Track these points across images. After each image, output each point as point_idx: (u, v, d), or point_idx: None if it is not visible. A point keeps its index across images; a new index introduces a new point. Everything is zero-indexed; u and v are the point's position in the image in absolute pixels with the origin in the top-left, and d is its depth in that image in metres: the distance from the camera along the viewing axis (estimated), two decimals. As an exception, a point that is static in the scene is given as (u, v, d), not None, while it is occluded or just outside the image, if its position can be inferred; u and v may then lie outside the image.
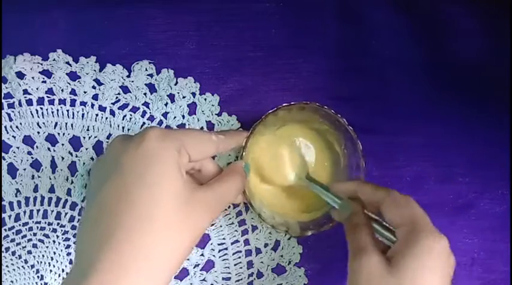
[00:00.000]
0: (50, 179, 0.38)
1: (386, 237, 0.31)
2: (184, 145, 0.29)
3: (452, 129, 0.40)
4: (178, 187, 0.28)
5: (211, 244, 0.39)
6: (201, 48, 0.40)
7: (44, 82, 0.39)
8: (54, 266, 0.38)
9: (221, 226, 0.39)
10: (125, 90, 0.39)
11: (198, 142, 0.31)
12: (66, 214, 0.38)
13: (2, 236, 0.38)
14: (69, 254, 0.38)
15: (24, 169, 0.38)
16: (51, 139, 0.39)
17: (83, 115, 0.39)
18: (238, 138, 0.34)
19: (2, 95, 0.38)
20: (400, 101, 0.40)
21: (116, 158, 0.29)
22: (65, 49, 0.39)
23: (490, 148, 0.40)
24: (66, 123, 0.39)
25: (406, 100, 0.40)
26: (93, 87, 0.39)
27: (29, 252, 0.38)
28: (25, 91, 0.38)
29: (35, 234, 0.38)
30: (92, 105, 0.39)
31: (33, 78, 0.38)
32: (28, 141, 0.39)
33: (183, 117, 0.39)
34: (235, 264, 0.39)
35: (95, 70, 0.39)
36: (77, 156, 0.39)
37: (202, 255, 0.38)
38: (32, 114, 0.38)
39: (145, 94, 0.39)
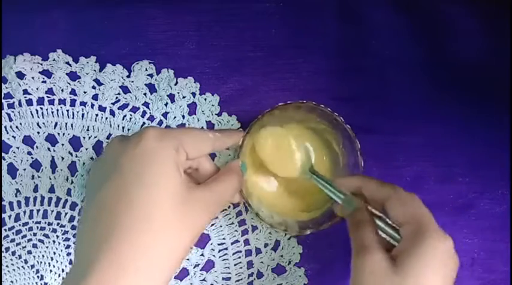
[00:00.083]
0: (50, 179, 0.38)
1: (390, 235, 0.31)
2: (182, 143, 0.30)
3: (452, 129, 0.40)
4: (176, 186, 0.28)
5: (211, 244, 0.39)
6: (201, 48, 0.40)
7: (44, 82, 0.39)
8: (54, 266, 0.38)
9: (221, 226, 0.39)
10: (125, 90, 0.39)
11: (195, 140, 0.31)
12: (66, 214, 0.38)
13: (2, 236, 0.38)
14: (69, 254, 0.38)
15: (24, 169, 0.38)
16: (51, 139, 0.39)
17: (83, 115, 0.39)
18: (235, 137, 0.35)
19: (2, 95, 0.38)
20: (400, 101, 0.40)
21: (115, 158, 0.29)
22: (65, 49, 0.39)
23: (490, 148, 0.40)
24: (66, 123, 0.39)
25: (406, 100, 0.40)
26: (93, 87, 0.39)
27: (29, 252, 0.38)
28: (25, 91, 0.38)
29: (35, 234, 0.38)
30: (92, 105, 0.39)
31: (33, 78, 0.38)
32: (28, 141, 0.39)
33: (183, 117, 0.39)
34: (235, 264, 0.39)
35: (95, 70, 0.39)
36: (76, 156, 0.39)
37: (202, 255, 0.38)
38: (32, 114, 0.38)
39: (145, 94, 0.39)
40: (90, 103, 0.39)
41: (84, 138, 0.39)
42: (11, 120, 0.38)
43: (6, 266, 0.38)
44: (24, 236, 0.38)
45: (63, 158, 0.38)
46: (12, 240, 0.38)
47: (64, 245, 0.38)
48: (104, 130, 0.39)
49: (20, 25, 0.39)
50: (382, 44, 0.41)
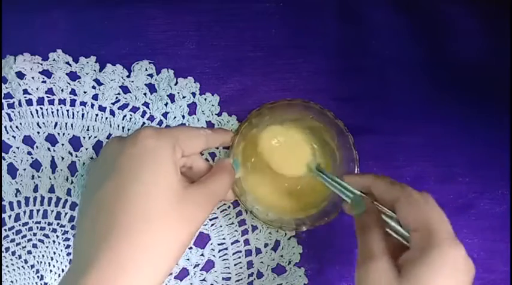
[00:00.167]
0: (50, 179, 0.38)
1: (401, 234, 0.29)
2: (177, 141, 0.30)
3: (452, 129, 0.40)
4: (173, 184, 0.28)
5: (211, 244, 0.39)
6: (201, 48, 0.40)
7: (44, 82, 0.39)
8: (54, 266, 0.38)
9: (221, 226, 0.39)
10: (125, 90, 0.39)
11: (190, 137, 0.32)
12: (66, 214, 0.38)
13: (2, 236, 0.38)
14: (69, 254, 0.38)
15: (24, 169, 0.38)
16: (51, 139, 0.39)
17: (83, 115, 0.39)
18: (224, 135, 0.36)
19: (2, 95, 0.38)
20: (400, 101, 0.40)
21: (113, 158, 0.29)
22: (65, 49, 0.39)
23: (490, 148, 0.40)
24: (66, 123, 0.39)
25: (406, 100, 0.40)
26: (93, 87, 0.39)
27: (29, 252, 0.38)
28: (25, 91, 0.38)
29: (35, 234, 0.38)
30: (92, 105, 0.39)
31: (33, 78, 0.38)
32: (28, 141, 0.39)
33: (183, 117, 0.39)
34: (235, 264, 0.39)
35: (95, 70, 0.39)
36: (76, 156, 0.39)
37: (202, 255, 0.38)
38: (32, 114, 0.38)
39: (145, 94, 0.39)
40: (90, 103, 0.39)
41: (84, 138, 0.39)
42: (11, 120, 0.38)
43: (6, 266, 0.38)
44: (24, 236, 0.38)
45: (63, 158, 0.38)
46: (12, 240, 0.38)
47: (64, 245, 0.38)
48: (104, 130, 0.39)
49: (20, 25, 0.39)
50: (382, 44, 0.41)
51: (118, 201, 0.27)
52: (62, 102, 0.39)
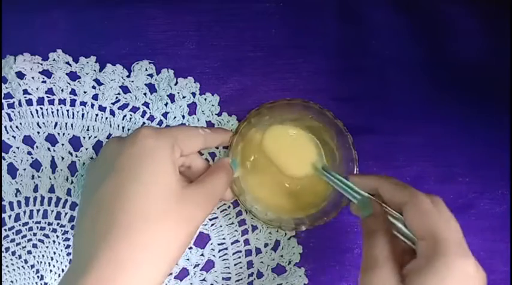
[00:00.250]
0: (50, 179, 0.38)
1: (410, 238, 0.28)
2: (176, 140, 0.31)
3: (452, 129, 0.40)
4: (172, 183, 0.29)
5: (211, 244, 0.39)
6: (201, 48, 0.40)
7: (44, 82, 0.39)
8: (54, 266, 0.38)
9: (221, 226, 0.39)
10: (125, 90, 0.39)
11: (188, 137, 0.32)
12: (66, 214, 0.38)
13: (2, 236, 0.38)
14: (69, 254, 0.38)
15: (24, 169, 0.38)
16: (51, 139, 0.39)
17: (83, 115, 0.39)
18: (223, 135, 0.36)
19: (2, 95, 0.38)
20: (400, 101, 0.40)
21: (112, 158, 0.29)
22: (65, 49, 0.39)
23: (490, 148, 0.40)
24: (66, 123, 0.39)
25: (406, 100, 0.40)
26: (93, 87, 0.39)
27: (29, 252, 0.38)
28: (25, 91, 0.38)
29: (35, 234, 0.38)
30: (92, 105, 0.39)
31: (33, 78, 0.38)
32: (28, 140, 0.39)
33: (183, 117, 0.39)
34: (235, 264, 0.39)
35: (95, 70, 0.39)
36: (76, 156, 0.39)
37: (202, 255, 0.38)
38: (32, 114, 0.38)
39: (145, 94, 0.39)
40: (90, 103, 0.39)
41: (84, 137, 0.39)
42: (11, 120, 0.38)
43: (6, 266, 0.38)
44: (24, 236, 0.38)
45: (63, 158, 0.38)
46: (12, 240, 0.38)
47: (64, 245, 0.38)
48: (104, 130, 0.39)
49: (20, 25, 0.39)
50: (382, 44, 0.41)
51: (117, 201, 0.27)
52: (62, 102, 0.39)
